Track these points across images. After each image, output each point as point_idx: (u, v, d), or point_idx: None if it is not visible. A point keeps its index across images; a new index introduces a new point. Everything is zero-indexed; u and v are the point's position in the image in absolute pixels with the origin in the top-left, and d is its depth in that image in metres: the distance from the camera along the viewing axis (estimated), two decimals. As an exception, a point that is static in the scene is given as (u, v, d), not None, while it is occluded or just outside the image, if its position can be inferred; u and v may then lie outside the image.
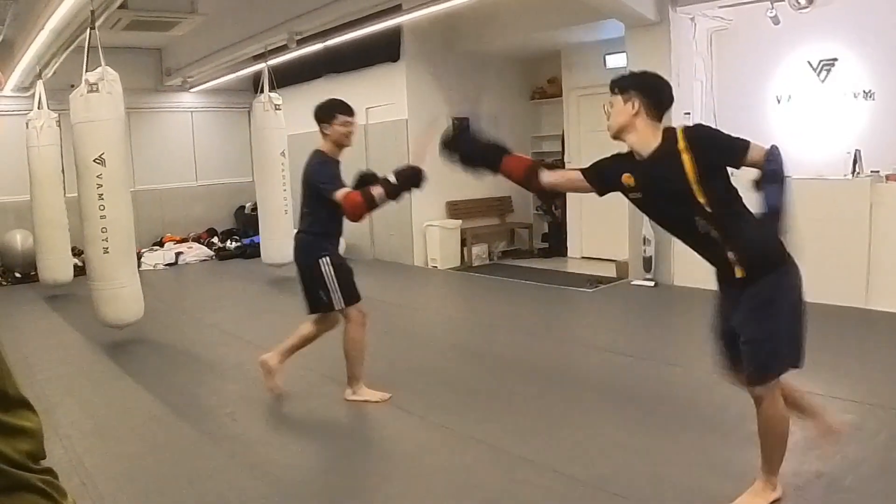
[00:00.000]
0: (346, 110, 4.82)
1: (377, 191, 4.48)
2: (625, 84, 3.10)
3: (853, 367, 5.19)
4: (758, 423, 3.19)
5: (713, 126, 3.29)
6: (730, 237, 3.01)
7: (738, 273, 3.02)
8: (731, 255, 3.02)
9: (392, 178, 4.53)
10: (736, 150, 3.06)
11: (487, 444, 4.11)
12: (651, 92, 3.08)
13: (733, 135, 3.08)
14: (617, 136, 3.12)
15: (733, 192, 3.13)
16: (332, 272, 4.77)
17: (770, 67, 8.13)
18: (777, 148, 3.06)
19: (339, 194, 4.56)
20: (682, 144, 2.98)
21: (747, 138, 3.04)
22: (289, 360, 5.05)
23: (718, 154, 3.06)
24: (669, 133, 3.04)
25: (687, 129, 3.06)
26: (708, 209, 3.00)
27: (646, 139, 3.06)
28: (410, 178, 4.55)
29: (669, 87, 3.18)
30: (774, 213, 3.02)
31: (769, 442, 3.18)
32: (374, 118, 11.01)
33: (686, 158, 2.97)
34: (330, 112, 4.81)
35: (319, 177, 4.74)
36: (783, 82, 8.05)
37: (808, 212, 6.98)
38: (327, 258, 4.78)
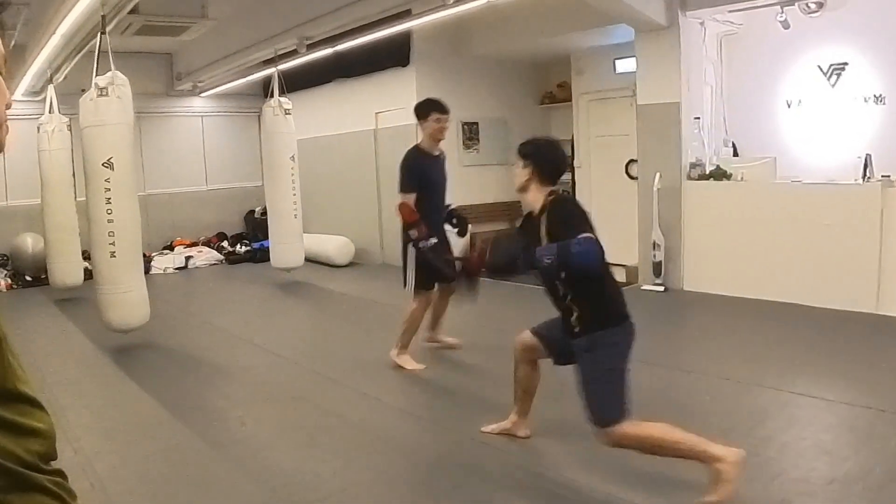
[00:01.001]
0: (441, 109, 5.55)
1: (417, 233, 5.17)
2: (525, 152, 3.63)
3: (864, 372, 5.15)
4: None
5: (576, 203, 3.69)
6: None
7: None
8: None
9: (453, 255, 5.38)
10: (561, 236, 3.26)
11: (495, 447, 4.10)
12: (543, 163, 3.57)
13: (575, 221, 3.31)
14: (519, 192, 3.65)
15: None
16: (415, 260, 5.39)
17: (780, 72, 8.11)
18: (575, 247, 3.17)
19: (400, 198, 5.34)
20: (544, 212, 3.47)
21: (585, 234, 3.21)
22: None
23: (556, 229, 3.35)
24: (547, 199, 3.51)
25: (550, 201, 3.51)
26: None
27: (534, 200, 3.57)
28: (454, 265, 4.96)
29: (563, 157, 3.73)
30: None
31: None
32: (384, 123, 11.02)
33: (543, 224, 3.43)
34: (427, 110, 5.58)
35: (400, 174, 5.50)
36: (793, 87, 8.03)
37: (819, 217, 6.99)
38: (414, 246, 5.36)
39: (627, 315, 3.37)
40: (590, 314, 3.35)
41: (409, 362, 5.59)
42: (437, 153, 5.66)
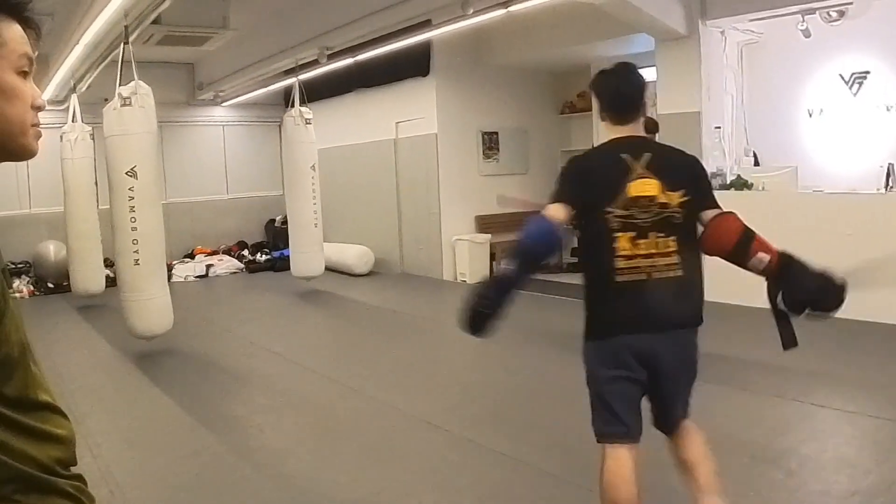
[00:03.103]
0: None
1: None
2: (590, 84, 3.08)
3: (887, 384, 5.10)
4: None
5: (574, 161, 3.00)
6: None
7: None
8: None
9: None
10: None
11: (516, 459, 4.09)
12: (603, 93, 2.97)
13: (555, 188, 2.86)
14: None
15: (585, 246, 2.94)
16: None
17: (801, 81, 8.07)
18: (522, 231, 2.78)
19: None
20: None
21: (551, 205, 2.78)
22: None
23: None
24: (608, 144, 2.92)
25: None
26: None
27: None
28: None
29: (627, 82, 2.96)
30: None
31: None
32: (404, 132, 11.05)
33: None
34: None
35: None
36: (815, 96, 7.99)
37: (841, 227, 6.92)
38: None
39: (622, 330, 2.77)
40: (584, 317, 2.89)
41: None
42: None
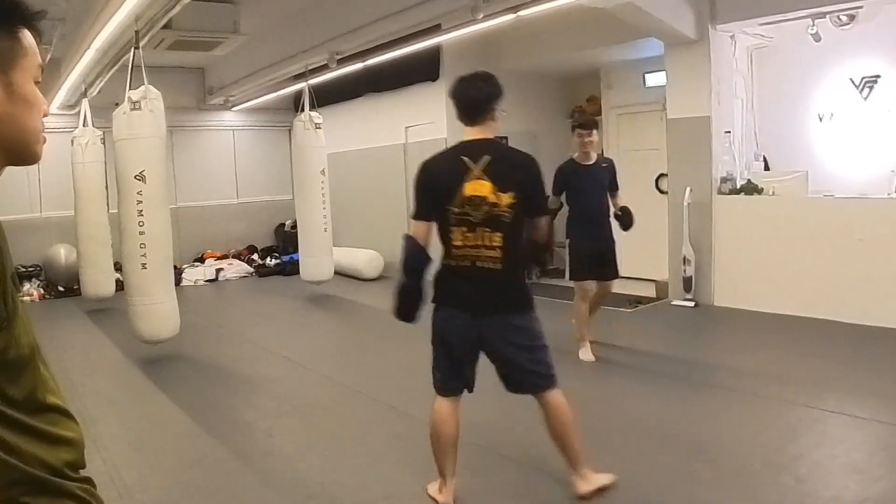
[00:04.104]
0: (581, 125, 6.20)
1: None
2: (449, 91, 3.55)
3: (898, 390, 5.07)
4: None
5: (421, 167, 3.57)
6: None
7: None
8: None
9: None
10: None
11: (527, 464, 4.08)
12: (454, 97, 3.49)
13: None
14: None
15: (438, 234, 3.44)
16: (568, 252, 6.23)
17: (811, 85, 8.05)
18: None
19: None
20: None
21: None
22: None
23: None
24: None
25: None
26: None
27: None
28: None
29: (469, 89, 3.46)
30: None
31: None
32: (414, 137, 11.05)
33: None
34: (572, 127, 6.32)
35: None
36: (825, 100, 7.96)
37: (852, 231, 6.90)
38: (567, 241, 6.22)
39: (451, 305, 3.38)
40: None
41: (586, 353, 6.21)
42: (588, 162, 6.17)
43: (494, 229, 3.22)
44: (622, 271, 10.39)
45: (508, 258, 3.26)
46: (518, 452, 4.25)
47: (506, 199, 3.21)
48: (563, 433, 3.46)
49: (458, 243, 3.28)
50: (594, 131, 6.17)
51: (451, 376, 3.46)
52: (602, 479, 3.54)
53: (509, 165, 3.32)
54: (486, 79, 3.50)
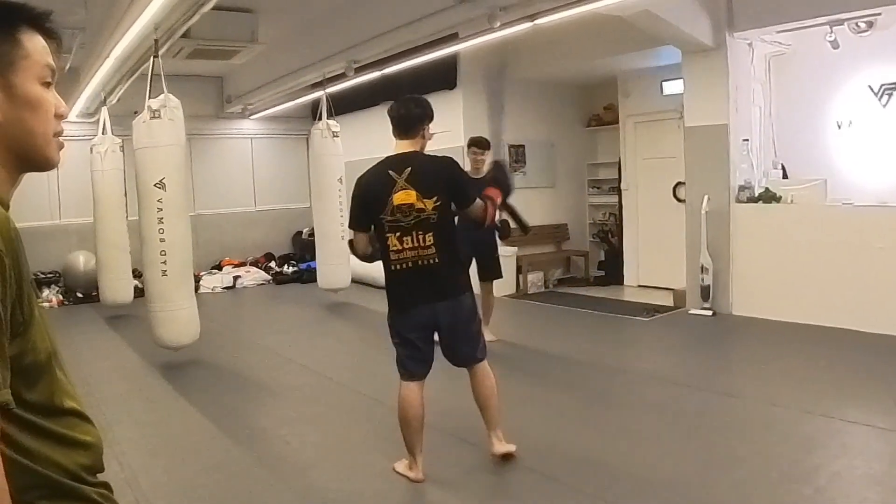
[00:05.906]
0: (476, 145, 6.88)
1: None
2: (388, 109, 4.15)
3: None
4: None
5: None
6: None
7: None
8: None
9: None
10: None
11: (541, 473, 4.07)
12: (390, 115, 4.04)
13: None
14: None
15: (379, 243, 4.00)
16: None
17: (830, 92, 8.00)
18: None
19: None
20: None
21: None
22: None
23: None
24: None
25: None
26: None
27: None
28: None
29: (401, 109, 4.00)
30: None
31: None
32: (431, 146, 11.00)
33: None
34: (468, 145, 6.98)
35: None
36: (844, 107, 7.91)
37: (871, 240, 6.85)
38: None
39: (409, 304, 3.90)
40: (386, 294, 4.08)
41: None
42: (478, 177, 6.19)
43: (425, 231, 3.76)
44: (640, 279, 10.44)
45: (442, 252, 3.79)
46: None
47: (430, 203, 3.76)
48: (489, 397, 4.09)
49: (396, 247, 3.80)
50: (487, 152, 6.91)
51: (418, 365, 3.97)
52: (511, 446, 4.13)
53: (429, 173, 3.85)
54: (419, 102, 4.05)
